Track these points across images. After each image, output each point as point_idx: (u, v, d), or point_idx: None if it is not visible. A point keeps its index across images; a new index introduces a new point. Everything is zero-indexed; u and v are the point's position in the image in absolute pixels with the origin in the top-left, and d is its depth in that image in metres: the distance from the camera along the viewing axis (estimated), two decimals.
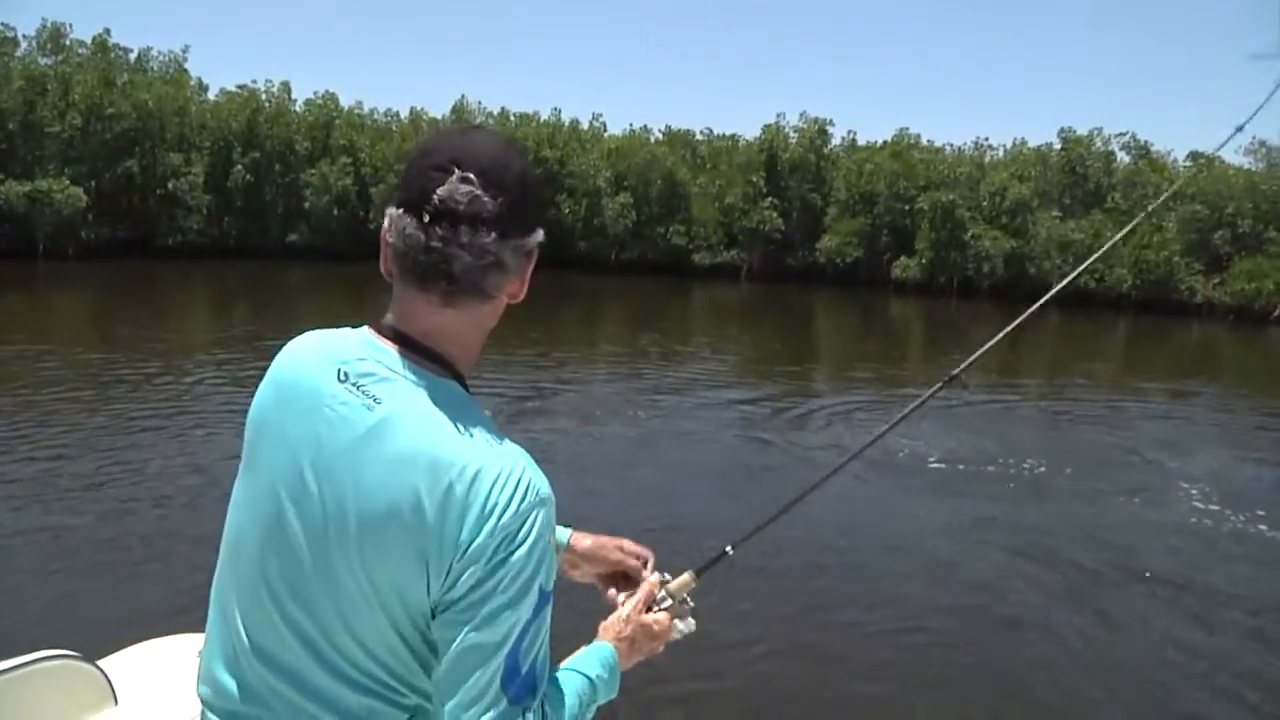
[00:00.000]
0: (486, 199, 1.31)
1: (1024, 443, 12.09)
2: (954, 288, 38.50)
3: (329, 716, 1.36)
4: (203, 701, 1.48)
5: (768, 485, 9.72)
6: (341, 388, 1.36)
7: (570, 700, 1.45)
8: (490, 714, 1.29)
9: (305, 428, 1.37)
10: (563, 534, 1.83)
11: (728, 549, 1.95)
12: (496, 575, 1.28)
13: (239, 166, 38.32)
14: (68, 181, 33.02)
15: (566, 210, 40.53)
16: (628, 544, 1.87)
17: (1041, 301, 2.62)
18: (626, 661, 1.66)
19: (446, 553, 1.28)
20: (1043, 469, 10.79)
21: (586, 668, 1.55)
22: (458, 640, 1.29)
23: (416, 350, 1.39)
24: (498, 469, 1.31)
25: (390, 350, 1.39)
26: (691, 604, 1.81)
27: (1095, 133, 41.30)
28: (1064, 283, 2.97)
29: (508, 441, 1.37)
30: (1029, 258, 37.93)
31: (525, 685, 1.32)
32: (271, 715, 1.39)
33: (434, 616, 1.32)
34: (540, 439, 10.76)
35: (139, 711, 2.61)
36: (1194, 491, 10.06)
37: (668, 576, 1.82)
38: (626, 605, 1.73)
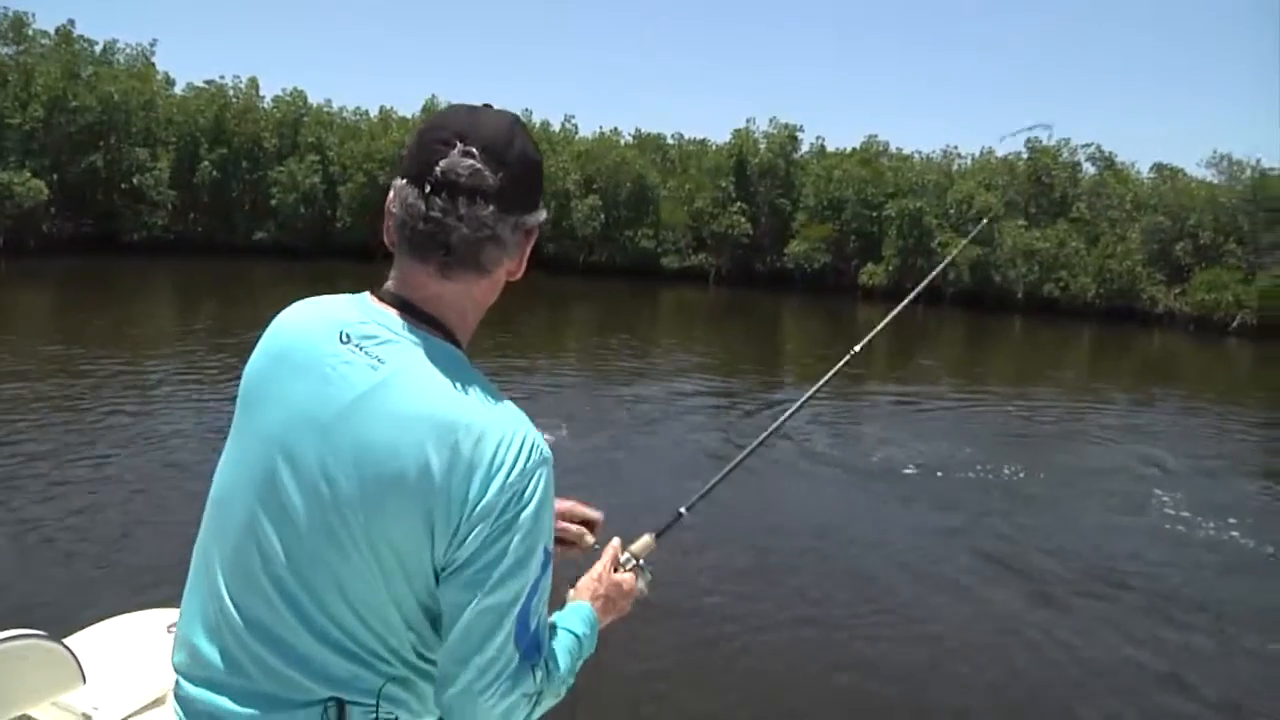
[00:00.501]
0: (488, 173, 1.33)
1: (994, 449, 12.18)
2: (920, 295, 38.65)
3: (310, 681, 1.34)
4: (177, 670, 1.45)
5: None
6: (344, 348, 1.37)
7: (564, 656, 1.49)
8: (506, 671, 1.32)
9: (303, 388, 1.37)
10: None
11: (681, 510, 2.08)
12: (507, 535, 1.30)
13: (205, 162, 37.80)
14: (29, 174, 32.29)
15: None
16: (578, 507, 1.86)
17: (917, 290, 2.82)
18: (602, 619, 1.69)
19: (455, 511, 1.29)
20: (1019, 474, 10.86)
21: (572, 625, 1.58)
22: (472, 603, 1.30)
23: (417, 315, 1.40)
24: (503, 429, 1.33)
25: (391, 314, 1.40)
26: (644, 565, 1.88)
27: (1062, 144, 41.77)
28: (933, 274, 3.16)
29: (508, 403, 1.39)
30: (995, 266, 38.23)
31: (534, 642, 1.36)
32: (249, 683, 1.37)
33: (438, 581, 1.33)
34: None
35: (107, 688, 2.58)
36: (1165, 498, 10.14)
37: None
38: (596, 567, 1.78)
